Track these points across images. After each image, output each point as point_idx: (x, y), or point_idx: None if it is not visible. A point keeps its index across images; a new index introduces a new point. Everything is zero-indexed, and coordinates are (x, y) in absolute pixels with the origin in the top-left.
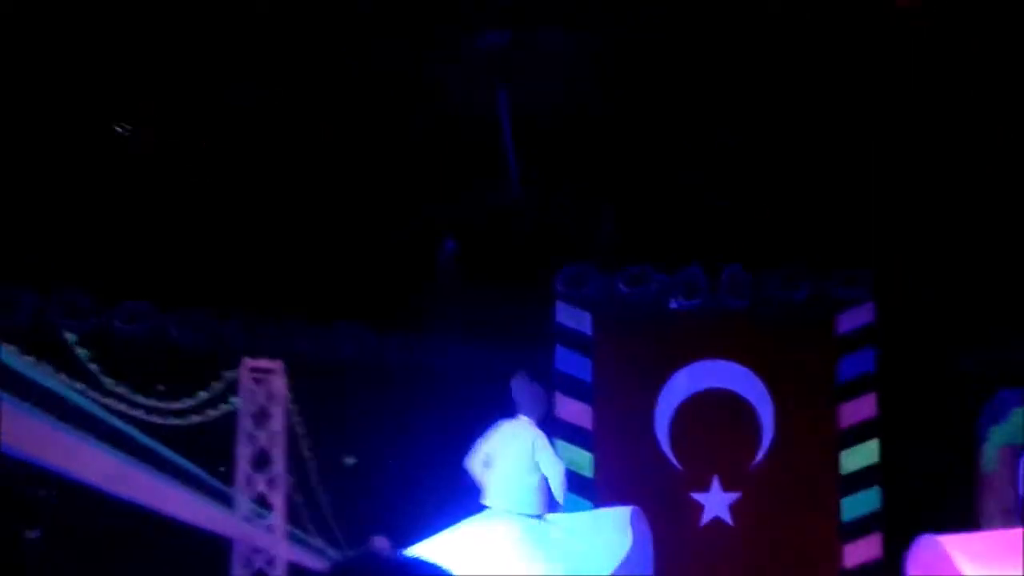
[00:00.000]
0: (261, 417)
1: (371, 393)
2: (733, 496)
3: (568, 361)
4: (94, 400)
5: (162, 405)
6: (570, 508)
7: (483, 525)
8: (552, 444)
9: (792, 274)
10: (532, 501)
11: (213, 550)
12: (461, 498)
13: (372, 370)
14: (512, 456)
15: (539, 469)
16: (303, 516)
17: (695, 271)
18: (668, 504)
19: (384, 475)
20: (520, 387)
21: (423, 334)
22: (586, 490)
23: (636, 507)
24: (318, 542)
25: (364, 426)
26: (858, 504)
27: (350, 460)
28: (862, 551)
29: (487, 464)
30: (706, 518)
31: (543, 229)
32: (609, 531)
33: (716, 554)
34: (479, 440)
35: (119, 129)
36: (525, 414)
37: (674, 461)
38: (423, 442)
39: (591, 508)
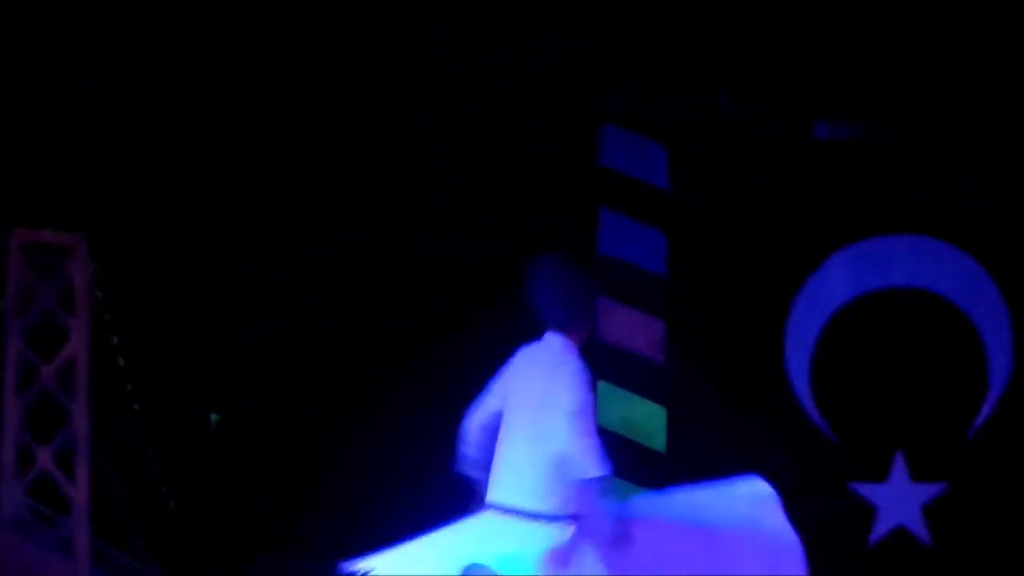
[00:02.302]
0: (45, 334)
1: (260, 296)
2: (931, 490)
3: (623, 237)
4: None
5: None
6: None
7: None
8: (590, 389)
9: None
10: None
11: None
12: (431, 493)
13: (259, 257)
14: (525, 412)
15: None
16: (123, 518)
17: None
18: (812, 503)
19: (285, 446)
20: (543, 281)
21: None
22: (653, 474)
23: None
24: (152, 569)
25: (246, 357)
26: None
27: (216, 417)
28: None
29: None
30: (882, 528)
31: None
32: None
33: None
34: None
35: None
36: (555, 330)
37: (822, 425)
38: (364, 392)
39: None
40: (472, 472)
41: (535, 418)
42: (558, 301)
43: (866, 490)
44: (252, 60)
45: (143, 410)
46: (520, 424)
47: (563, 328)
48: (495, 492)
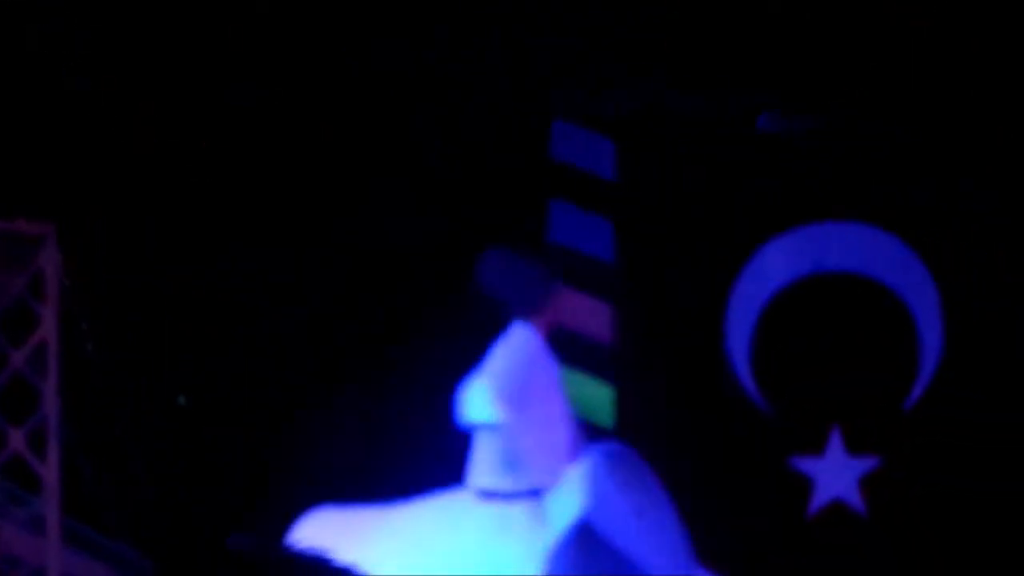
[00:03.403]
0: (18, 320)
1: (234, 285)
2: (866, 463)
3: (572, 226)
4: None
5: None
6: None
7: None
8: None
9: (984, 73)
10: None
11: None
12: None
13: (233, 249)
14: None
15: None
16: (94, 499)
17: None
18: (751, 478)
19: (251, 429)
20: (496, 273)
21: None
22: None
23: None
24: (122, 545)
25: (214, 344)
26: None
27: (184, 400)
28: None
29: None
30: (819, 501)
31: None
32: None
33: (834, 562)
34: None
35: None
36: (519, 319)
37: (760, 402)
38: (331, 378)
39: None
40: None
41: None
42: (514, 291)
43: (804, 464)
44: (251, 60)
45: (113, 393)
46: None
47: (525, 316)
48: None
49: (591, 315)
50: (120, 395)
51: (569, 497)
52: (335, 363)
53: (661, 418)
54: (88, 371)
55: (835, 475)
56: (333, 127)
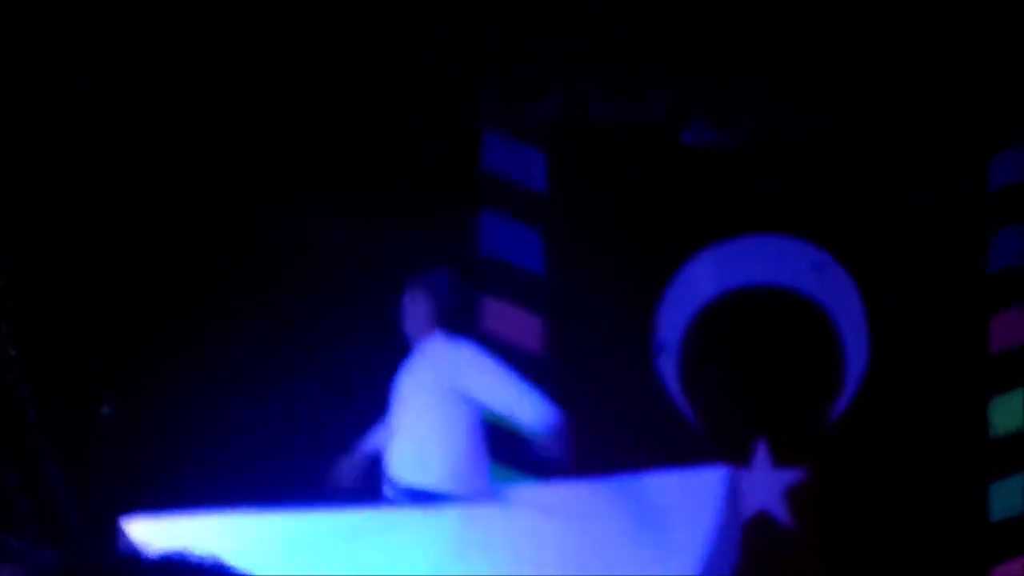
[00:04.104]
0: None
1: (158, 284)
2: (791, 475)
3: (502, 237)
4: None
5: None
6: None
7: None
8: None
9: (911, 89)
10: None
11: None
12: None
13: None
14: (422, 397)
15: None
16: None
17: (735, 82)
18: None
19: (175, 435)
20: (430, 292)
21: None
22: (529, 462)
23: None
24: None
25: (134, 348)
26: (1021, 492)
27: (107, 410)
28: None
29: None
30: (744, 513)
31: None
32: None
33: (760, 573)
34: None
35: None
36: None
37: (689, 414)
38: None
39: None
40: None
41: (440, 401)
42: (445, 309)
43: None
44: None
45: (33, 404)
46: (420, 408)
47: (447, 328)
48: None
49: (523, 327)
50: (40, 402)
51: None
52: (258, 367)
53: (590, 429)
54: (8, 376)
55: (761, 487)
56: (264, 134)
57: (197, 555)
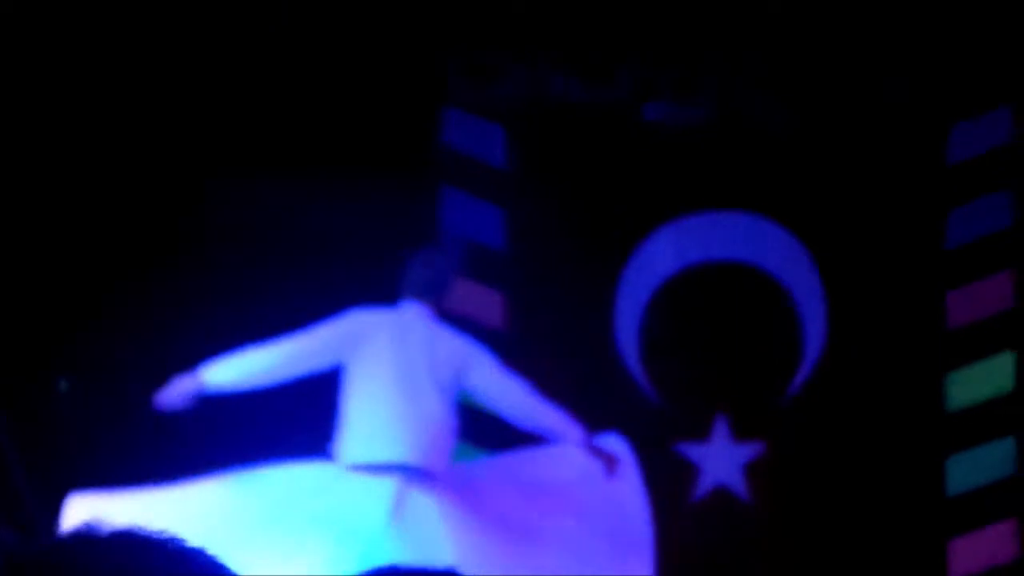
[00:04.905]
0: None
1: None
2: (750, 450)
3: (463, 213)
4: None
5: None
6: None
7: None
8: None
9: (867, 63)
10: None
11: None
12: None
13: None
14: (405, 371)
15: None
16: None
17: (696, 59)
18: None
19: (134, 411)
20: (423, 267)
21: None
22: (487, 435)
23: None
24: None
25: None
26: (976, 467)
27: (64, 385)
28: (982, 549)
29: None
30: (703, 487)
31: None
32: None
33: (719, 547)
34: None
35: None
36: (412, 299)
37: (648, 389)
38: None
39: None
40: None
41: (424, 377)
42: (437, 280)
43: (689, 450)
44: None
45: None
46: (402, 382)
47: (422, 299)
48: (364, 450)
49: (483, 303)
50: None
51: None
52: (216, 346)
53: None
54: None
55: (720, 462)
56: (218, 108)
57: (147, 530)
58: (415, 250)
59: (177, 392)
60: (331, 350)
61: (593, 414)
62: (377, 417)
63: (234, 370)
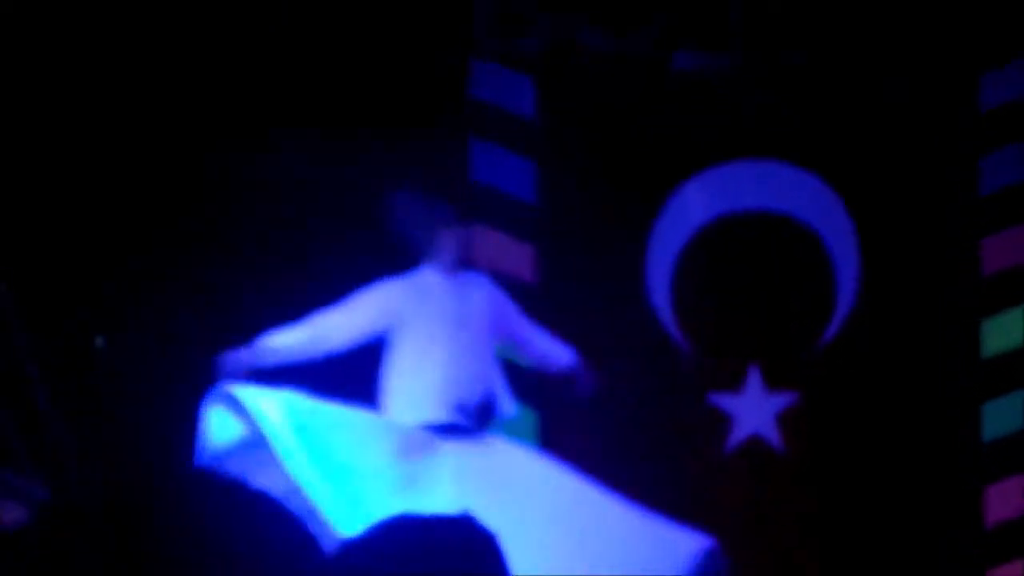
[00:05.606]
0: None
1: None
2: (784, 400)
3: (493, 166)
4: None
5: None
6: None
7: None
8: None
9: (899, 12)
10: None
11: None
12: None
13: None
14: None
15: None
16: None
17: (724, 6)
18: (670, 415)
19: (170, 371)
20: (404, 214)
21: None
22: (525, 394)
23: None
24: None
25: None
26: (1013, 413)
27: (101, 342)
28: (1018, 494)
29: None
30: (737, 437)
31: None
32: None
33: (752, 496)
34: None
35: None
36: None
37: (680, 339)
38: (243, 311)
39: (532, 419)
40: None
41: (454, 336)
42: (421, 232)
43: (723, 400)
44: None
45: (27, 333)
46: (435, 344)
47: (429, 257)
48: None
49: (514, 255)
50: (34, 334)
51: None
52: (248, 303)
53: (582, 358)
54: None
55: (754, 412)
56: (243, 61)
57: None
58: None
59: (232, 368)
60: (370, 321)
61: (625, 367)
62: (419, 383)
63: (282, 345)
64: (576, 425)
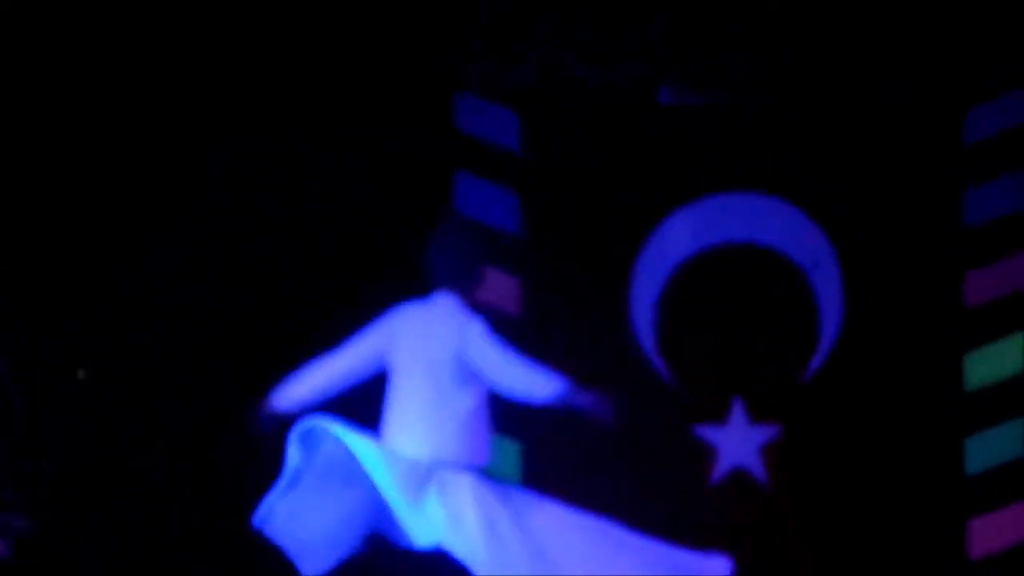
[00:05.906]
0: None
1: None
2: (767, 432)
3: (478, 199)
4: None
5: None
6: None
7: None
8: None
9: (885, 46)
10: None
11: None
12: None
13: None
14: (432, 367)
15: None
16: None
17: (709, 41)
18: (655, 447)
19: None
20: (447, 245)
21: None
22: (509, 426)
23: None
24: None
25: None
26: (995, 446)
27: (83, 374)
28: (1002, 528)
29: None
30: (721, 469)
31: None
32: None
33: (736, 528)
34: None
35: None
36: (446, 290)
37: (665, 373)
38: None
39: (514, 450)
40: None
41: (446, 370)
42: (458, 265)
43: (707, 433)
44: None
45: (12, 364)
46: (424, 377)
47: (455, 288)
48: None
49: (499, 288)
50: (16, 366)
51: None
52: (236, 336)
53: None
54: None
55: (737, 444)
56: (234, 96)
57: None
58: (432, 238)
59: (256, 424)
60: (380, 352)
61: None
62: (405, 416)
63: (301, 392)
64: (559, 456)
